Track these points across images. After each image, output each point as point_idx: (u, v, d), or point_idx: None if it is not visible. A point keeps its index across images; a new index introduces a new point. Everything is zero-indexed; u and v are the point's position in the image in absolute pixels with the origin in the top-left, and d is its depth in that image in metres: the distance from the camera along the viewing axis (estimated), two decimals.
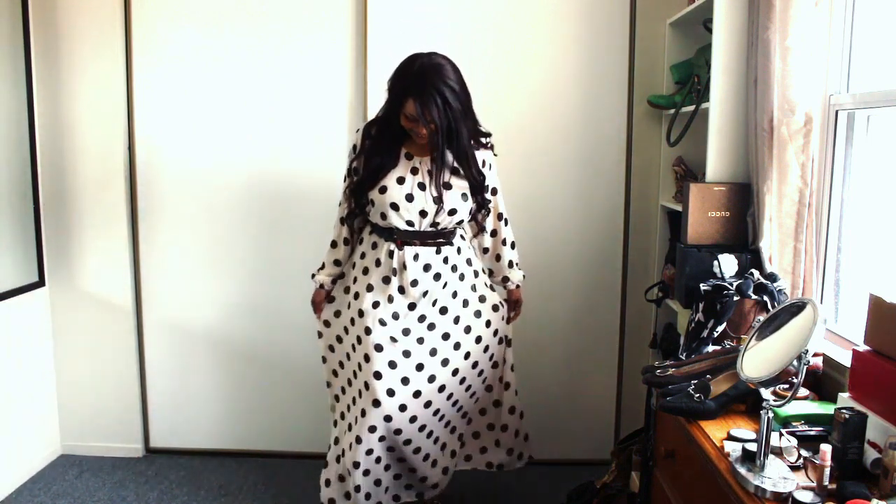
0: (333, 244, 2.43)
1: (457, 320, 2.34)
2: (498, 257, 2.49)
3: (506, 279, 2.51)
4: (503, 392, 2.51)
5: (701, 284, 2.08)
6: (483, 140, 2.34)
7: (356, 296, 2.33)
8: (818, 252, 2.09)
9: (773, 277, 2.02)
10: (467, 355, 2.36)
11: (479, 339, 2.38)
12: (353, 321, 2.32)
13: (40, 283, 2.95)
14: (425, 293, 2.29)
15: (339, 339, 2.40)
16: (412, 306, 2.29)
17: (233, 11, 2.85)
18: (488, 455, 2.54)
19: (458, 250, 2.35)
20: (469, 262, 2.39)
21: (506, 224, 2.47)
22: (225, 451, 3.11)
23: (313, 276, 2.45)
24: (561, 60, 2.85)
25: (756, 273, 2.04)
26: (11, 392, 2.80)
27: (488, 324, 2.40)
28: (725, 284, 2.02)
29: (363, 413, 2.24)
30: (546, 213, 2.93)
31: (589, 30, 2.83)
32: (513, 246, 2.50)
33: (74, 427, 3.09)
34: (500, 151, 2.85)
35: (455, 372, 2.34)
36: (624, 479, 2.43)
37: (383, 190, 2.23)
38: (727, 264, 2.11)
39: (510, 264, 2.50)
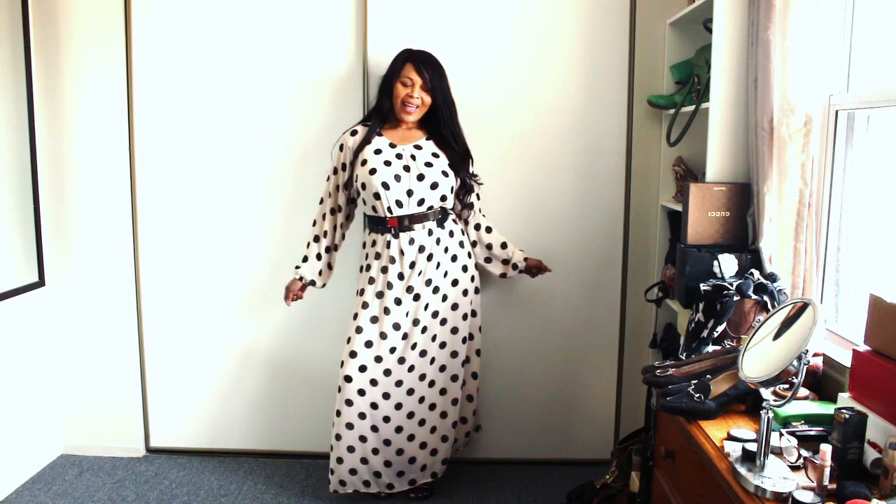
0: (316, 238, 2.69)
1: (444, 298, 2.60)
2: (488, 229, 2.74)
3: (514, 265, 2.73)
4: (473, 383, 2.78)
5: (701, 284, 2.08)
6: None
7: (362, 292, 2.59)
8: (818, 252, 2.09)
9: (773, 277, 2.02)
10: (455, 330, 2.63)
11: (465, 317, 2.66)
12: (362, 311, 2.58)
13: (40, 283, 2.95)
14: (420, 273, 2.54)
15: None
16: (410, 289, 2.54)
17: (234, 11, 2.85)
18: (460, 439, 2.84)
19: (451, 233, 2.62)
20: (461, 244, 2.66)
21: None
22: (225, 451, 3.11)
23: (297, 267, 2.69)
24: (561, 60, 2.85)
25: (756, 273, 2.04)
26: (11, 392, 2.80)
27: (464, 297, 2.65)
28: (725, 284, 2.02)
29: (339, 389, 2.54)
30: (546, 212, 2.93)
31: (589, 30, 2.83)
32: (489, 230, 2.76)
33: (74, 427, 3.09)
34: (500, 151, 2.88)
35: (443, 345, 2.61)
36: (624, 479, 2.43)
37: (373, 172, 2.50)
38: (727, 264, 2.11)
39: (503, 245, 2.74)
